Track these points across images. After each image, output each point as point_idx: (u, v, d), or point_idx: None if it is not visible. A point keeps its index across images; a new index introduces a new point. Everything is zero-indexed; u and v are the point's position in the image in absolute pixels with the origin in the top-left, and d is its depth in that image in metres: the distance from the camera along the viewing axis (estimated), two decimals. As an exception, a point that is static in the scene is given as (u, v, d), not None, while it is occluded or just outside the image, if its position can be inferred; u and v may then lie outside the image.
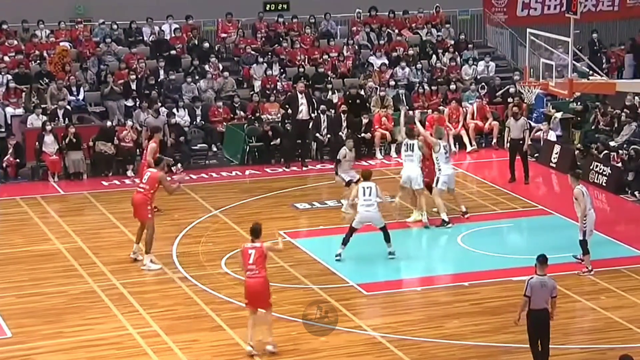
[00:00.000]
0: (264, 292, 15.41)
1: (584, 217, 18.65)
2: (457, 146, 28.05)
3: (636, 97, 27.72)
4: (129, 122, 26.62)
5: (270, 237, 20.18)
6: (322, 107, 27.49)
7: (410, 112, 25.82)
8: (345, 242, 19.44)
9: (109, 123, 26.79)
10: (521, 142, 24.88)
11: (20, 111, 27.47)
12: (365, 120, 27.69)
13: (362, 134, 27.44)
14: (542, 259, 14.58)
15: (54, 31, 30.35)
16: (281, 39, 31.66)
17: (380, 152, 27.61)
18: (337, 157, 22.98)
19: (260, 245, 15.45)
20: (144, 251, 19.28)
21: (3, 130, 26.95)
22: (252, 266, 15.32)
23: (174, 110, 27.75)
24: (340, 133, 27.08)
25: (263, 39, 31.63)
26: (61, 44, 29.64)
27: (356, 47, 31.90)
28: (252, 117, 27.92)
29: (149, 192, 19.15)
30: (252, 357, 15.41)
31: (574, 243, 19.43)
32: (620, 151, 25.20)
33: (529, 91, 23.94)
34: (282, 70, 30.36)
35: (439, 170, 21.54)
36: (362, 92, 29.01)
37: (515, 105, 26.75)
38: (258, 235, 15.54)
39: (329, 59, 30.88)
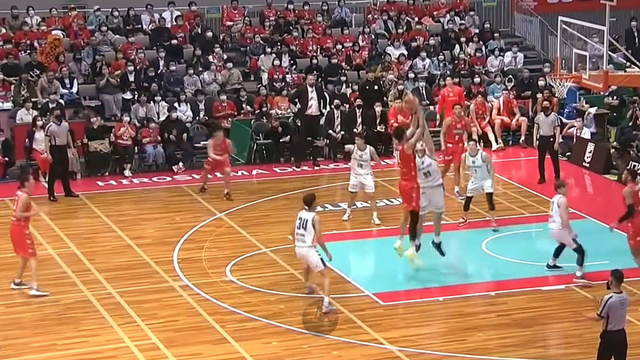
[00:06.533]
0: None
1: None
2: (482, 144, 28.10)
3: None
4: (126, 118, 26.70)
5: (280, 242, 20.43)
6: (336, 101, 27.48)
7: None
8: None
9: (93, 119, 26.44)
10: (551, 139, 24.85)
11: (8, 105, 27.52)
12: (378, 110, 27.51)
13: (377, 128, 27.30)
14: (618, 275, 14.13)
15: (46, 19, 30.40)
16: (291, 28, 31.69)
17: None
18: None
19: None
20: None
21: (-10, 126, 27.08)
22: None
23: (175, 104, 27.82)
24: (354, 129, 27.11)
25: (271, 27, 31.64)
26: (53, 32, 29.70)
27: (372, 36, 31.91)
28: (260, 112, 27.96)
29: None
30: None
31: (609, 249, 19.40)
32: (661, 150, 25.23)
33: (560, 84, 23.97)
34: (292, 61, 30.39)
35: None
36: (380, 84, 29.05)
37: (546, 99, 26.73)
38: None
39: (342, 49, 30.89)
